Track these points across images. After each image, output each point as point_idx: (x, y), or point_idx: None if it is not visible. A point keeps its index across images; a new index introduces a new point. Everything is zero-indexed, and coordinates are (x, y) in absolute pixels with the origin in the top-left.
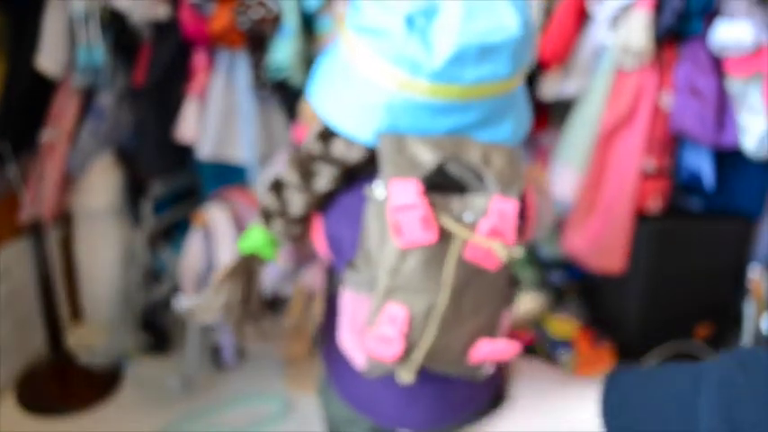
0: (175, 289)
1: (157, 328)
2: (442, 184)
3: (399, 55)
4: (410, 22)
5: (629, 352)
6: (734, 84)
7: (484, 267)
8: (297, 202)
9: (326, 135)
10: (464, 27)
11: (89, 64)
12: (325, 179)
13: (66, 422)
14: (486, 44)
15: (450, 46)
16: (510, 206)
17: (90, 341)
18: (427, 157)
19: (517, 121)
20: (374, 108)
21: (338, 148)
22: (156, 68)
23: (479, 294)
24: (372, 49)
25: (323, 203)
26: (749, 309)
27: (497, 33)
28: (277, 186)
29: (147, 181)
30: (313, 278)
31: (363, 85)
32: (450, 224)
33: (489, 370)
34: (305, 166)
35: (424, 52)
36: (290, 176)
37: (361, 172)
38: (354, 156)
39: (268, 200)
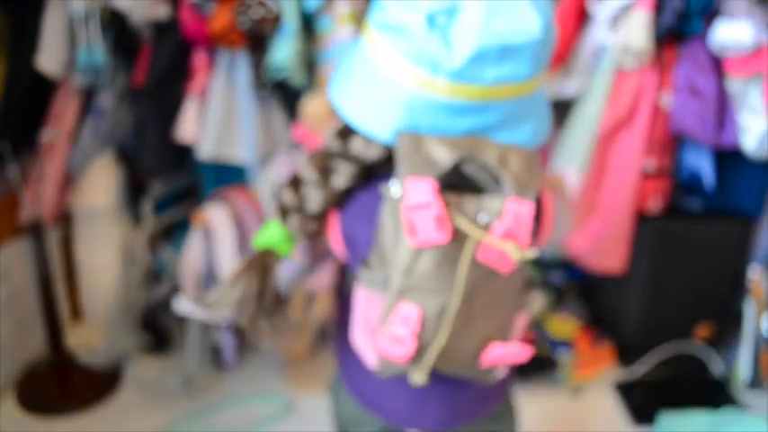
0: (175, 289)
1: (157, 328)
2: (457, 185)
3: (420, 53)
4: (431, 20)
5: (629, 352)
6: (734, 84)
7: (497, 269)
8: (314, 198)
9: (345, 132)
10: (485, 27)
11: (89, 64)
12: (342, 176)
13: (66, 422)
14: (507, 45)
15: (470, 45)
16: (525, 208)
17: (90, 341)
18: (443, 156)
19: (537, 125)
20: (394, 106)
21: (356, 146)
22: (157, 68)
23: (492, 297)
24: (394, 47)
25: (340, 201)
26: (749, 309)
27: (518, 35)
28: (295, 182)
29: (147, 181)
30: (314, 278)
31: (384, 83)
32: (464, 224)
33: (501, 374)
34: (323, 163)
35: (444, 51)
36: (309, 173)
37: (379, 170)
38: (372, 154)
39: (286, 196)
